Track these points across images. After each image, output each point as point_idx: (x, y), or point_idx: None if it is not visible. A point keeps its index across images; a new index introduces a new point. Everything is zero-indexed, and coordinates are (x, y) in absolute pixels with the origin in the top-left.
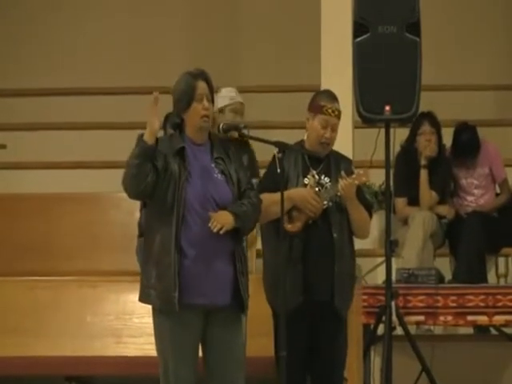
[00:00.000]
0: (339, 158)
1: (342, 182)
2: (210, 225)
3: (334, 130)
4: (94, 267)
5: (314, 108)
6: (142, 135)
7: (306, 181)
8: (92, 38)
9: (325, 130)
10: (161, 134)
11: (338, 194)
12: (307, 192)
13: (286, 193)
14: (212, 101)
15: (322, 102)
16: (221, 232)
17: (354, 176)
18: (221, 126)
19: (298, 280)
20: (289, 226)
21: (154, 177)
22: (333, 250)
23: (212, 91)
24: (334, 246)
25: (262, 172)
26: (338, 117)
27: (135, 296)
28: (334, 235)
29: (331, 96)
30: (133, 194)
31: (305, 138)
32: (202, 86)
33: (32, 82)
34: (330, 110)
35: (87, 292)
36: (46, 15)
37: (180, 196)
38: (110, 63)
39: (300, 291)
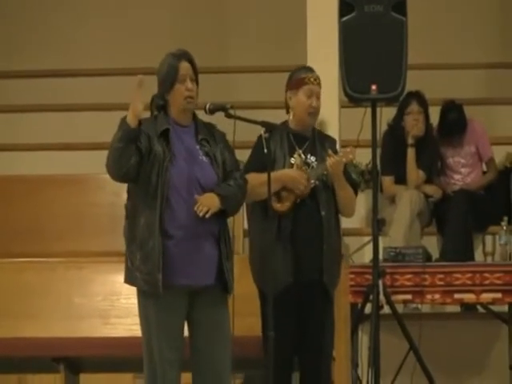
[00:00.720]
0: (323, 137)
1: (329, 160)
2: (195, 208)
3: (319, 97)
4: (81, 249)
5: (295, 83)
6: (124, 118)
7: (292, 160)
8: (79, 19)
9: (311, 99)
10: (147, 115)
11: (325, 172)
12: (297, 173)
13: (275, 174)
14: (196, 81)
15: (301, 74)
16: (207, 216)
17: (341, 154)
18: (207, 106)
19: (288, 260)
20: (278, 206)
21: (137, 159)
22: (321, 228)
23: (196, 72)
24: (322, 224)
25: (247, 152)
26: (320, 85)
27: (121, 277)
28: (322, 213)
29: (307, 68)
30: (116, 177)
31: (290, 117)
32: (184, 66)
33: (18, 64)
34: (312, 79)
35: (74, 273)
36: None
37: (164, 178)
38: (96, 44)
39: (290, 271)
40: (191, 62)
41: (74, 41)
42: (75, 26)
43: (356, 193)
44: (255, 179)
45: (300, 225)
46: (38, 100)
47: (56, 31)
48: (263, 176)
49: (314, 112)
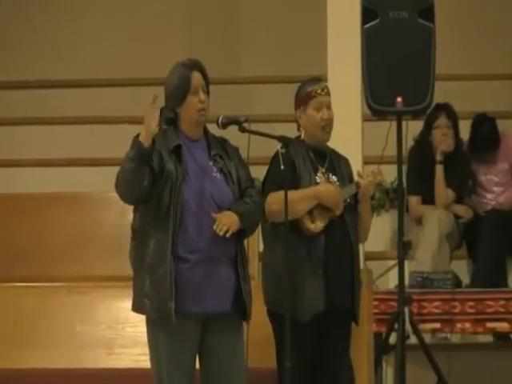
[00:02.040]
0: (337, 156)
1: (362, 181)
2: (215, 227)
3: (329, 107)
4: (84, 272)
5: (302, 100)
6: (137, 136)
7: (317, 179)
8: (81, 26)
9: (321, 112)
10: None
11: (354, 192)
12: (336, 189)
13: (310, 190)
14: (208, 92)
15: (307, 88)
16: (227, 235)
17: (370, 175)
18: (220, 119)
19: (319, 286)
20: (312, 226)
21: (150, 179)
22: (351, 251)
23: (207, 82)
24: (352, 246)
25: (262, 169)
26: (328, 94)
27: (128, 303)
28: (351, 235)
29: (313, 79)
30: (129, 200)
31: (302, 136)
32: (196, 77)
33: (20, 75)
34: (318, 90)
35: (77, 299)
36: (42, 6)
37: (177, 197)
38: (101, 53)
39: (321, 298)
40: (203, 72)
41: (77, 49)
42: (77, 34)
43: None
44: (295, 195)
45: (332, 247)
46: (37, 112)
47: (57, 39)
48: (303, 192)
49: (327, 124)
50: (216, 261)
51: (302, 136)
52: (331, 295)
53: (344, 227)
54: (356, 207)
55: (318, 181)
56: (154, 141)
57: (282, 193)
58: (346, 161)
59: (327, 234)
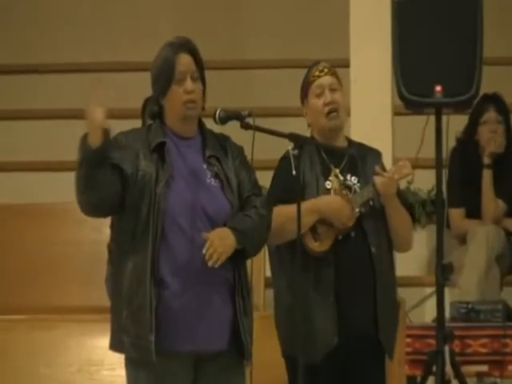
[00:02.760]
0: (364, 149)
1: (378, 179)
2: (204, 251)
3: (334, 89)
4: (49, 302)
5: (303, 90)
6: (85, 136)
7: (328, 184)
8: (62, 7)
9: (322, 98)
10: (133, 124)
11: (373, 195)
12: (338, 201)
13: (308, 204)
14: (202, 80)
15: (306, 78)
16: (217, 264)
17: (392, 170)
18: (217, 113)
19: (330, 316)
20: (315, 245)
21: (117, 186)
22: (372, 268)
23: (201, 67)
24: (373, 263)
25: (269, 175)
26: (331, 73)
27: (105, 341)
28: (373, 249)
29: (314, 63)
30: (88, 213)
31: (309, 134)
32: (184, 60)
33: None
34: (316, 72)
35: (41, 334)
36: None
37: (158, 207)
38: (83, 35)
39: (333, 330)
40: (193, 53)
41: (59, 31)
42: (59, 15)
43: (413, 219)
44: (282, 212)
45: (344, 268)
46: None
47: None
48: (293, 208)
49: (332, 109)
50: (209, 287)
51: (310, 133)
52: (346, 324)
53: (361, 239)
54: (383, 211)
55: (329, 186)
56: (108, 138)
57: (279, 208)
58: (375, 155)
59: (338, 252)
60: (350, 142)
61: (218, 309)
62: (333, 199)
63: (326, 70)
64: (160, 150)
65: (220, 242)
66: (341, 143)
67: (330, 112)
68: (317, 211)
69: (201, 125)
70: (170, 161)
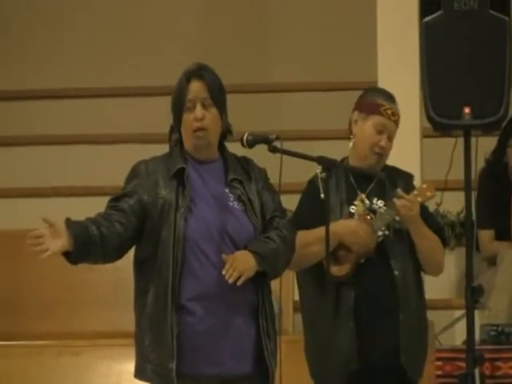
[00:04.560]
0: (396, 173)
1: (399, 202)
2: (224, 272)
3: (391, 139)
4: (77, 328)
5: (367, 106)
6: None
7: (352, 209)
8: (77, 29)
9: (380, 136)
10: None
11: (397, 217)
12: (356, 224)
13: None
14: (217, 105)
15: (377, 99)
16: (238, 283)
17: (415, 192)
18: (245, 137)
19: (351, 342)
20: (335, 270)
21: (131, 228)
22: (395, 293)
23: (216, 91)
24: (395, 287)
25: (296, 198)
26: (397, 123)
27: (132, 365)
28: (396, 273)
29: (388, 95)
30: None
31: (350, 145)
32: (194, 88)
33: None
34: (389, 112)
35: (69, 360)
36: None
37: (178, 234)
38: (100, 60)
39: (354, 356)
40: (206, 79)
41: (73, 56)
42: (74, 39)
43: (444, 242)
44: (301, 238)
45: (366, 292)
46: (13, 129)
47: (37, 44)
48: (315, 232)
49: (381, 153)
50: (232, 311)
51: (350, 145)
52: (367, 351)
53: (383, 263)
54: (408, 234)
55: (353, 211)
56: (78, 238)
57: (300, 234)
58: (406, 178)
59: (360, 276)
60: (384, 166)
61: (241, 332)
62: (350, 223)
63: (396, 118)
64: (180, 175)
65: (238, 262)
66: (370, 170)
67: (376, 153)
68: (335, 235)
69: (222, 148)
70: (190, 186)
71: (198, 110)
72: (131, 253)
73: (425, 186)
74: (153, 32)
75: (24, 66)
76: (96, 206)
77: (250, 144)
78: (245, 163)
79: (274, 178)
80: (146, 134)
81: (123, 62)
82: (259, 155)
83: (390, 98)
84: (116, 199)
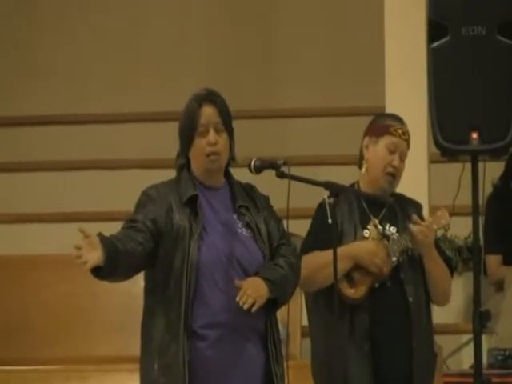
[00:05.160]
0: (405, 201)
1: (415, 228)
2: (238, 299)
3: (403, 159)
4: (84, 353)
5: (377, 130)
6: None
7: (365, 233)
8: (85, 54)
9: (393, 156)
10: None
11: (410, 245)
12: (373, 245)
13: (343, 249)
14: (227, 130)
15: (387, 121)
16: (252, 310)
17: (430, 219)
18: (252, 163)
19: (365, 366)
20: (351, 292)
21: (147, 246)
22: (408, 318)
23: (226, 117)
24: (409, 313)
25: (304, 224)
26: (408, 143)
27: None
28: (410, 299)
29: (398, 117)
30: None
31: (362, 171)
32: (207, 112)
33: (6, 110)
34: (400, 131)
35: None
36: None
37: (191, 261)
38: (101, 83)
39: (368, 380)
40: (218, 105)
41: (82, 81)
42: (79, 63)
43: (452, 272)
44: (315, 260)
45: (380, 316)
46: (21, 155)
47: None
48: (326, 254)
49: (393, 173)
50: (242, 337)
51: (363, 171)
52: (382, 375)
53: (398, 288)
54: (421, 262)
55: (367, 235)
56: (110, 251)
57: (311, 256)
58: (415, 207)
59: (374, 300)
60: (393, 193)
61: (251, 358)
62: (367, 243)
63: (406, 137)
64: (192, 202)
65: (251, 289)
66: (385, 194)
67: (389, 174)
68: (351, 256)
69: (228, 175)
70: (202, 213)
71: (212, 135)
72: (139, 278)
73: (439, 213)
74: (159, 58)
75: (35, 91)
76: (105, 231)
77: (258, 169)
78: (249, 190)
79: (281, 203)
80: (152, 160)
81: (128, 87)
82: (265, 180)
83: (400, 119)
84: (132, 221)
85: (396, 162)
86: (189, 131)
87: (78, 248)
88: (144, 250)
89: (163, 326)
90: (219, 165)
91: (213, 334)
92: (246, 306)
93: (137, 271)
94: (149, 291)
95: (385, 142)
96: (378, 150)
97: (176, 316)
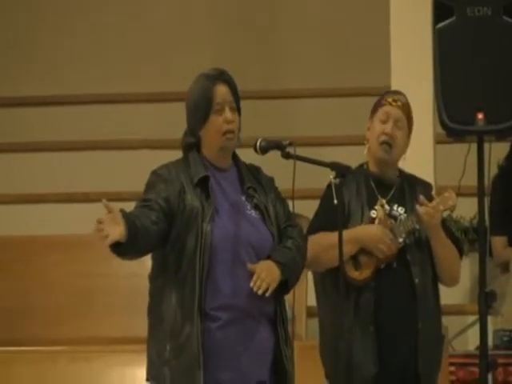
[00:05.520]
0: (414, 181)
1: (422, 209)
2: (251, 284)
3: (399, 126)
4: (89, 334)
5: (373, 108)
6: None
7: (373, 213)
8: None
9: (385, 125)
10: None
11: (417, 225)
12: (378, 229)
13: (349, 232)
14: (238, 110)
15: (381, 97)
16: (267, 294)
17: (437, 200)
18: (258, 142)
19: (370, 346)
20: (356, 274)
21: (161, 226)
22: (414, 300)
23: (237, 98)
24: (415, 294)
25: (311, 204)
26: (404, 110)
27: (144, 372)
28: (416, 280)
29: (392, 90)
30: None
31: (365, 152)
32: (221, 91)
33: (11, 91)
34: (390, 99)
35: (81, 367)
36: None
37: (205, 243)
38: (107, 64)
39: (373, 360)
40: (230, 84)
41: (85, 62)
42: (82, 43)
43: (461, 253)
44: (322, 240)
45: (386, 298)
46: (27, 135)
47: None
48: (333, 236)
49: (388, 141)
50: (253, 319)
51: (365, 152)
52: (386, 356)
53: (404, 270)
54: (428, 243)
55: (374, 215)
56: (127, 218)
57: (319, 236)
58: (425, 187)
59: (380, 281)
60: (401, 172)
61: (261, 339)
62: (372, 227)
63: (399, 104)
64: (203, 183)
65: (264, 273)
66: (391, 173)
67: (383, 143)
68: (356, 240)
69: (234, 156)
70: (213, 195)
71: (228, 113)
72: (144, 258)
73: (447, 194)
74: (166, 39)
75: (46, 71)
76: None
77: (263, 150)
78: (255, 171)
79: (286, 184)
80: (158, 141)
81: (135, 67)
82: (270, 161)
83: (393, 91)
84: (145, 200)
85: (388, 129)
86: (204, 109)
87: (100, 222)
88: (159, 229)
89: (175, 308)
90: (234, 143)
91: (225, 317)
92: (260, 292)
93: (151, 250)
94: (159, 272)
95: (377, 115)
96: (373, 126)
97: (190, 298)
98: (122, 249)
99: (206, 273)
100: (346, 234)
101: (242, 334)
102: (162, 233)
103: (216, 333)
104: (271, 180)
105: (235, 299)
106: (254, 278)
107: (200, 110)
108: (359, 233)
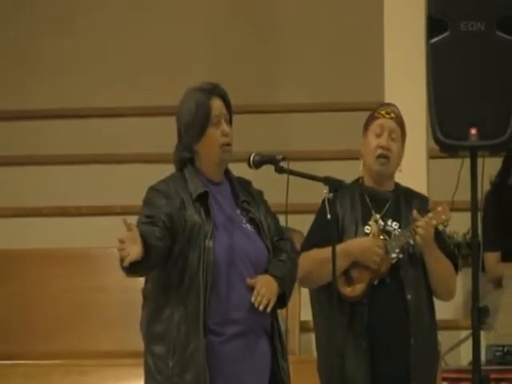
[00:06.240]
0: (411, 195)
1: (415, 224)
2: (253, 300)
3: (393, 137)
4: (85, 347)
5: (366, 122)
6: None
7: (367, 229)
8: (85, 50)
9: (379, 139)
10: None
11: (411, 241)
12: (370, 242)
13: (341, 246)
14: (230, 122)
15: (374, 111)
16: (268, 309)
17: (430, 215)
18: (252, 157)
19: (363, 362)
20: (348, 290)
21: (167, 243)
22: (407, 316)
23: (230, 111)
24: (408, 311)
25: (304, 219)
26: (397, 121)
27: None
28: (408, 297)
29: (386, 103)
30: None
31: (360, 168)
32: (217, 104)
33: (4, 105)
34: (383, 112)
35: (76, 380)
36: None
37: (208, 257)
38: (107, 77)
39: (366, 376)
40: (224, 98)
41: (83, 75)
42: (82, 57)
43: (456, 267)
44: (315, 256)
45: (379, 313)
46: (25, 149)
47: (57, 63)
48: (326, 251)
49: (384, 154)
50: (254, 333)
51: (360, 168)
52: (380, 372)
53: (397, 286)
54: (422, 258)
55: (368, 231)
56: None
57: (312, 252)
58: (421, 200)
59: (373, 297)
60: (397, 186)
61: (262, 353)
62: (364, 239)
63: (392, 115)
64: (202, 199)
65: (266, 289)
66: (386, 187)
67: (379, 156)
68: (348, 254)
69: (226, 170)
70: (213, 211)
71: (225, 126)
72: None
73: (440, 208)
74: (163, 53)
75: (35, 85)
76: (105, 226)
77: (257, 164)
78: (246, 185)
79: (280, 199)
80: (152, 154)
81: (133, 81)
82: (263, 175)
83: (386, 104)
84: (148, 217)
85: (384, 142)
86: (201, 123)
87: (122, 241)
88: (164, 246)
89: (178, 324)
90: (230, 156)
91: (228, 331)
92: (261, 308)
93: (155, 268)
94: (160, 289)
95: (371, 130)
96: (368, 141)
97: (194, 313)
98: (136, 267)
99: (210, 289)
100: (337, 248)
101: (244, 349)
102: (166, 249)
103: (220, 347)
104: (261, 193)
105: (238, 314)
106: (255, 293)
107: (197, 123)
108: (351, 246)
